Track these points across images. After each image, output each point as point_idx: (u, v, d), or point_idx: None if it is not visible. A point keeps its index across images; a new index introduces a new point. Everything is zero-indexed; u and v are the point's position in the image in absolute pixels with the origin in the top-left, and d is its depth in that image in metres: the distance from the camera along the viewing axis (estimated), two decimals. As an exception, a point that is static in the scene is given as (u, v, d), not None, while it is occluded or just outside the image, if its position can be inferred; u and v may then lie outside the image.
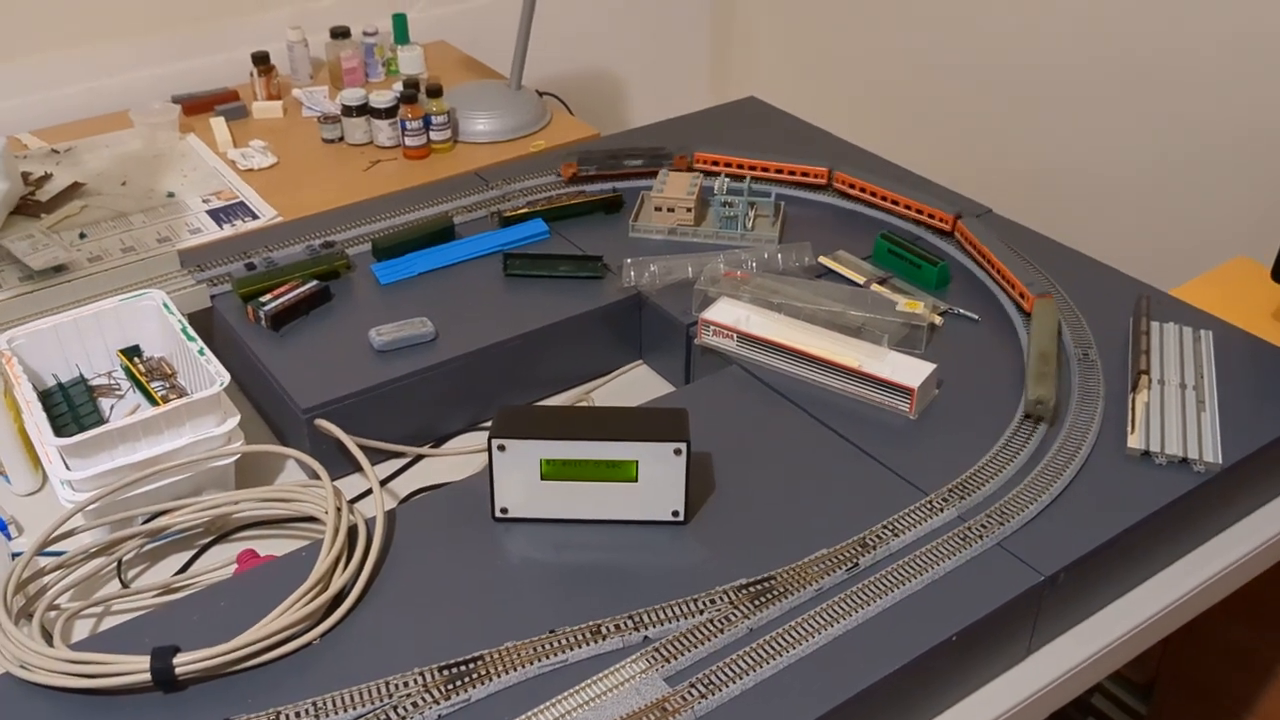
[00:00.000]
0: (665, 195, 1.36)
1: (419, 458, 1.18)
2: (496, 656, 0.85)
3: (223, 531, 1.09)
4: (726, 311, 1.18)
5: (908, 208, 1.38)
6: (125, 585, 1.03)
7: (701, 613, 0.89)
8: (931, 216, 1.37)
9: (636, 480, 0.95)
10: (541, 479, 0.96)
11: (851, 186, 1.43)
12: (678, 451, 0.94)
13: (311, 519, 1.07)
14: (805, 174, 1.45)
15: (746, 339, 1.15)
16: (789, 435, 1.07)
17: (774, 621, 0.88)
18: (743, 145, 1.51)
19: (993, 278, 1.28)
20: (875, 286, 1.25)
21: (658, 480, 0.95)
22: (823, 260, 1.30)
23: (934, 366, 1.09)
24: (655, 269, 1.27)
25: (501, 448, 0.95)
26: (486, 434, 1.20)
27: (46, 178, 1.69)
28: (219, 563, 1.03)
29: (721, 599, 0.90)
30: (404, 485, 1.15)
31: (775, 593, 0.90)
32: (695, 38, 2.61)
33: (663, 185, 1.37)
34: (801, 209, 1.43)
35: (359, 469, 1.16)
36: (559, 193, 1.44)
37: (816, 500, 1.00)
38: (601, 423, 0.96)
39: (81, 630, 0.98)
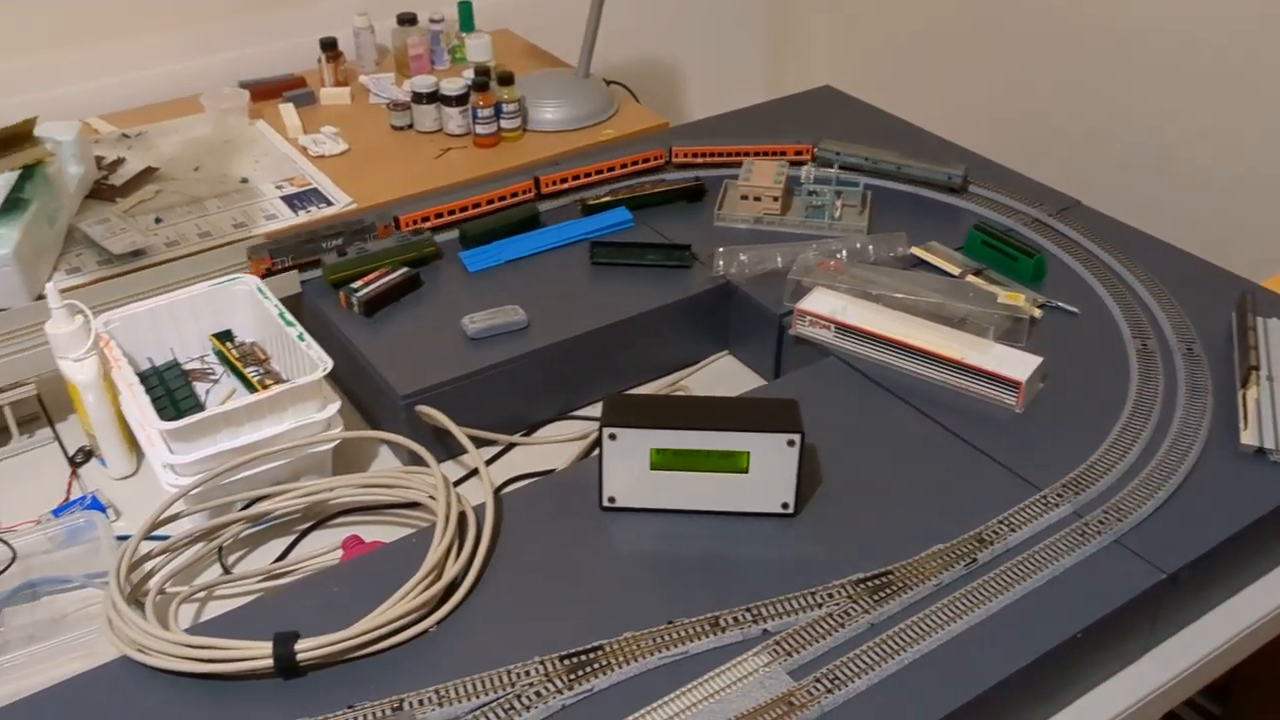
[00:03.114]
0: (751, 184, 1.34)
1: (511, 445, 1.18)
2: (616, 647, 0.84)
3: (321, 517, 1.08)
4: (822, 302, 1.16)
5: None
6: (226, 570, 1.02)
7: (820, 606, 0.88)
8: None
9: (747, 471, 0.94)
10: (650, 468, 0.95)
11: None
12: (791, 443, 0.93)
13: (413, 504, 1.06)
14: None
15: (844, 329, 1.14)
16: (893, 428, 1.06)
17: (894, 617, 0.87)
18: (823, 134, 1.50)
19: (1091, 270, 1.26)
20: (971, 278, 1.23)
21: (769, 472, 0.94)
22: (914, 251, 1.28)
23: (1041, 360, 1.08)
24: (745, 258, 1.25)
25: (612, 436, 0.94)
26: (576, 423, 1.21)
27: (119, 162, 1.68)
28: (321, 548, 1.03)
29: (839, 593, 0.89)
30: (495, 474, 1.14)
31: (894, 588, 0.89)
32: (751, 25, 2.60)
33: (749, 174, 1.36)
34: (883, 198, 1.41)
35: (450, 457, 1.15)
36: (641, 180, 1.42)
37: (926, 494, 0.98)
38: (712, 413, 0.95)
39: (186, 615, 0.98)
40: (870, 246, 1.27)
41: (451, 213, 1.34)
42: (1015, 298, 1.16)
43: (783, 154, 1.47)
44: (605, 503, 0.97)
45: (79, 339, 1.06)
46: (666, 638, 0.85)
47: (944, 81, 2.27)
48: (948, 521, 0.95)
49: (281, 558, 1.04)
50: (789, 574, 0.91)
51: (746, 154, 1.45)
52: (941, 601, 0.88)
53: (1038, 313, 1.19)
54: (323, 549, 1.03)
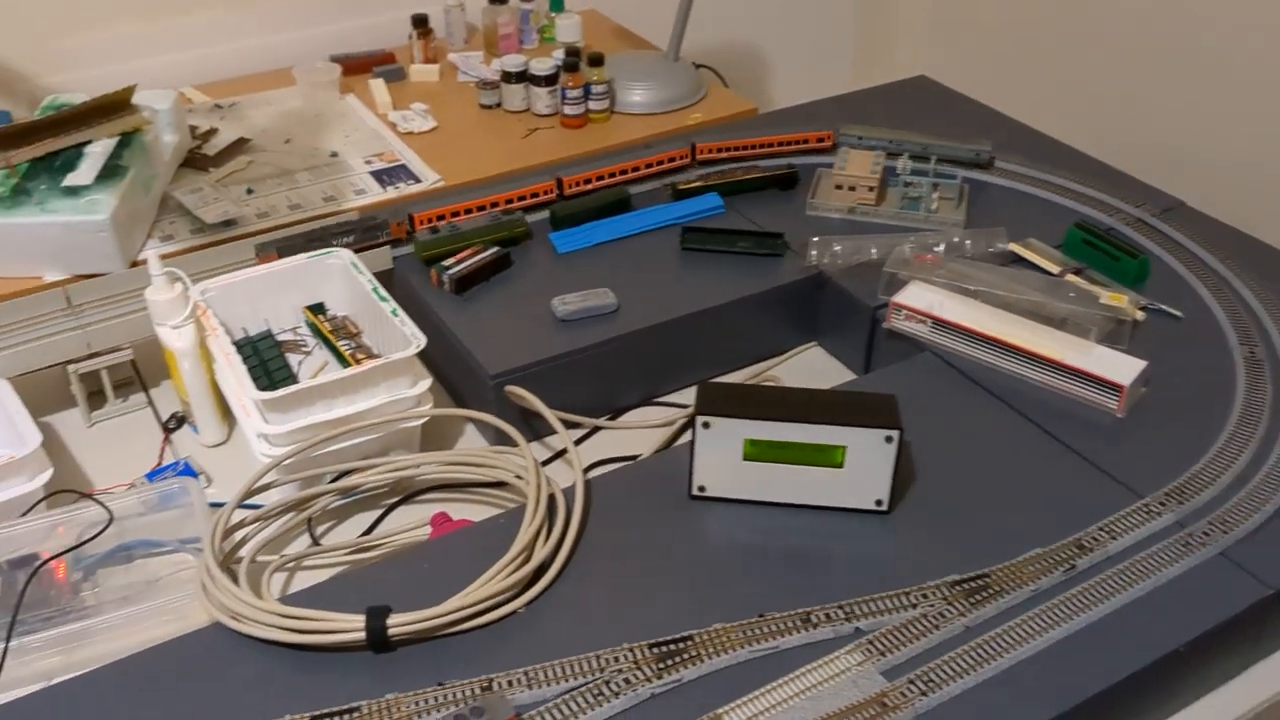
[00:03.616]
0: (847, 173, 1.32)
1: (595, 429, 1.17)
2: (706, 638, 0.83)
3: (407, 493, 1.09)
4: (919, 296, 1.14)
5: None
6: (315, 541, 1.03)
7: (914, 606, 0.86)
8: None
9: (842, 466, 0.93)
10: (743, 459, 0.94)
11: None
12: (889, 439, 0.91)
13: (499, 484, 1.06)
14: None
15: (941, 325, 1.12)
16: (989, 427, 1.04)
17: (990, 621, 0.85)
18: (913, 125, 1.47)
19: (1195, 273, 1.23)
20: (1070, 277, 1.20)
21: (865, 467, 0.93)
22: (1012, 247, 1.26)
23: (1145, 364, 1.05)
24: (839, 249, 1.23)
25: (706, 425, 0.93)
26: (660, 409, 1.20)
27: (213, 132, 1.70)
28: (407, 524, 1.03)
29: (934, 594, 0.87)
30: (580, 457, 1.13)
31: (990, 591, 0.87)
32: (841, 10, 2.56)
33: (844, 163, 1.34)
34: (980, 192, 1.38)
35: (535, 438, 1.15)
36: (732, 167, 1.41)
37: (1024, 496, 0.96)
38: (809, 405, 0.93)
39: (276, 585, 0.99)
40: (968, 241, 1.24)
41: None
42: (1118, 299, 1.13)
43: (805, 141, 1.44)
44: (695, 491, 0.96)
45: (177, 306, 1.07)
46: (757, 631, 0.84)
47: (1043, 74, 2.22)
48: (1045, 526, 0.93)
49: (368, 531, 1.05)
50: (882, 572, 0.89)
51: (769, 144, 1.43)
52: (1039, 608, 0.86)
53: (1141, 315, 1.16)
54: (409, 524, 1.03)
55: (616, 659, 0.82)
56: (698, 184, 1.36)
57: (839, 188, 1.33)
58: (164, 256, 1.09)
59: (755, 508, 0.96)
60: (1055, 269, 1.22)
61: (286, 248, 1.21)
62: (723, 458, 0.94)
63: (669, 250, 1.28)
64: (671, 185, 1.38)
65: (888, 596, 0.87)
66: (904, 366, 1.12)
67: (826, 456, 0.93)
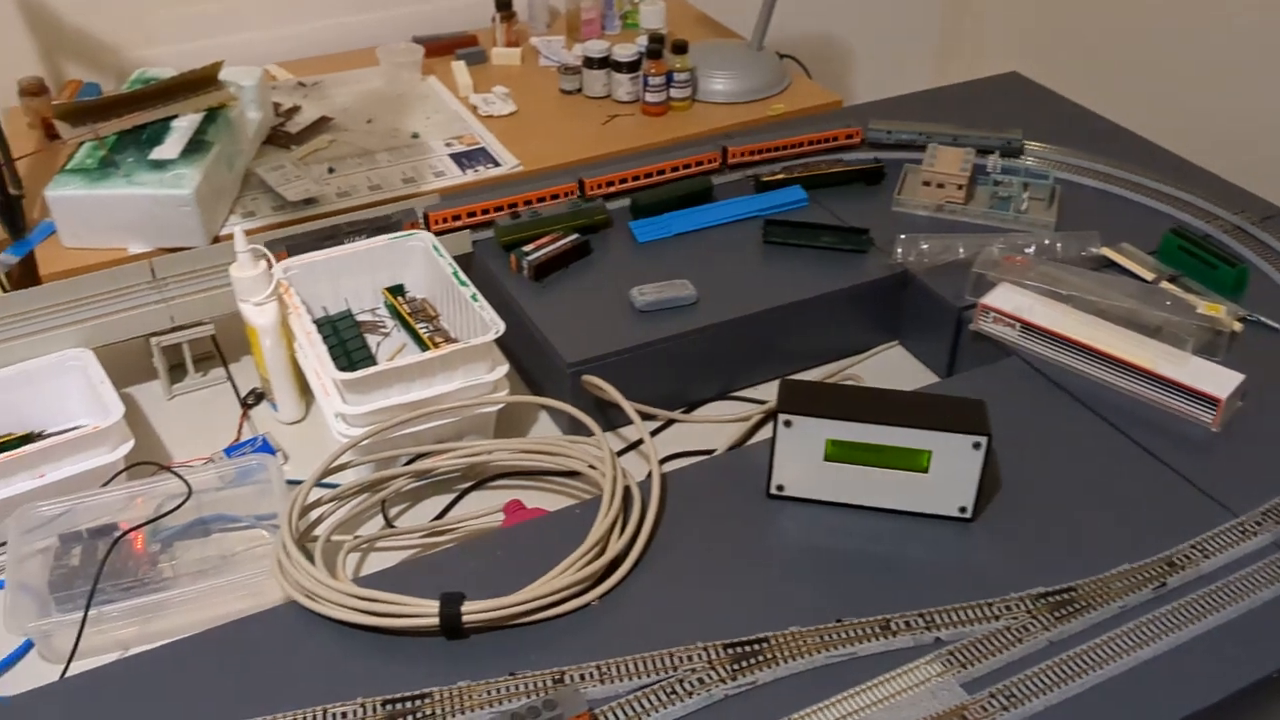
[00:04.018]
0: (935, 170, 1.29)
1: (670, 422, 1.16)
2: (782, 640, 0.82)
3: (480, 478, 1.08)
4: (1008, 298, 1.11)
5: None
6: (389, 523, 1.03)
7: (997, 619, 0.84)
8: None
9: (927, 471, 0.91)
10: (825, 459, 0.92)
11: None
12: (977, 445, 0.89)
13: (571, 473, 1.06)
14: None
15: (1030, 329, 1.09)
16: (1077, 437, 1.01)
17: (1076, 637, 0.83)
18: (1004, 123, 1.44)
19: (1296, 285, 1.18)
20: (1165, 285, 1.17)
21: (950, 473, 0.90)
22: (1104, 252, 1.22)
23: (1242, 377, 1.01)
24: (926, 247, 1.21)
25: (788, 423, 0.91)
26: (736, 404, 1.18)
27: (296, 110, 1.71)
28: (479, 510, 1.03)
29: (1018, 606, 0.85)
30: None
31: (1077, 606, 0.85)
32: (926, 5, 2.52)
33: (933, 159, 1.31)
34: (1072, 194, 1.34)
35: (609, 428, 1.14)
36: (817, 159, 1.38)
37: (1113, 510, 0.93)
38: (894, 407, 0.91)
39: (350, 565, 0.99)
40: (1059, 244, 1.21)
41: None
42: (1215, 309, 1.10)
43: (834, 139, 1.40)
44: (773, 490, 0.94)
45: (261, 283, 1.08)
46: (834, 636, 0.82)
47: (1138, 73, 2.16)
48: (1135, 541, 0.90)
49: (441, 515, 1.05)
50: (964, 581, 0.87)
51: (800, 144, 1.38)
52: (1127, 625, 0.83)
53: (1238, 326, 1.12)
54: (482, 510, 1.02)
55: (690, 658, 0.81)
56: (781, 176, 1.34)
57: (927, 184, 1.30)
58: (246, 233, 1.10)
59: (834, 509, 0.94)
60: (1149, 276, 1.18)
61: (296, 246, 1.18)
62: (803, 457, 0.92)
63: (750, 243, 1.26)
64: (754, 177, 1.36)
65: (970, 607, 0.85)
66: (990, 370, 1.09)
67: (911, 460, 0.91)
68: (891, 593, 0.86)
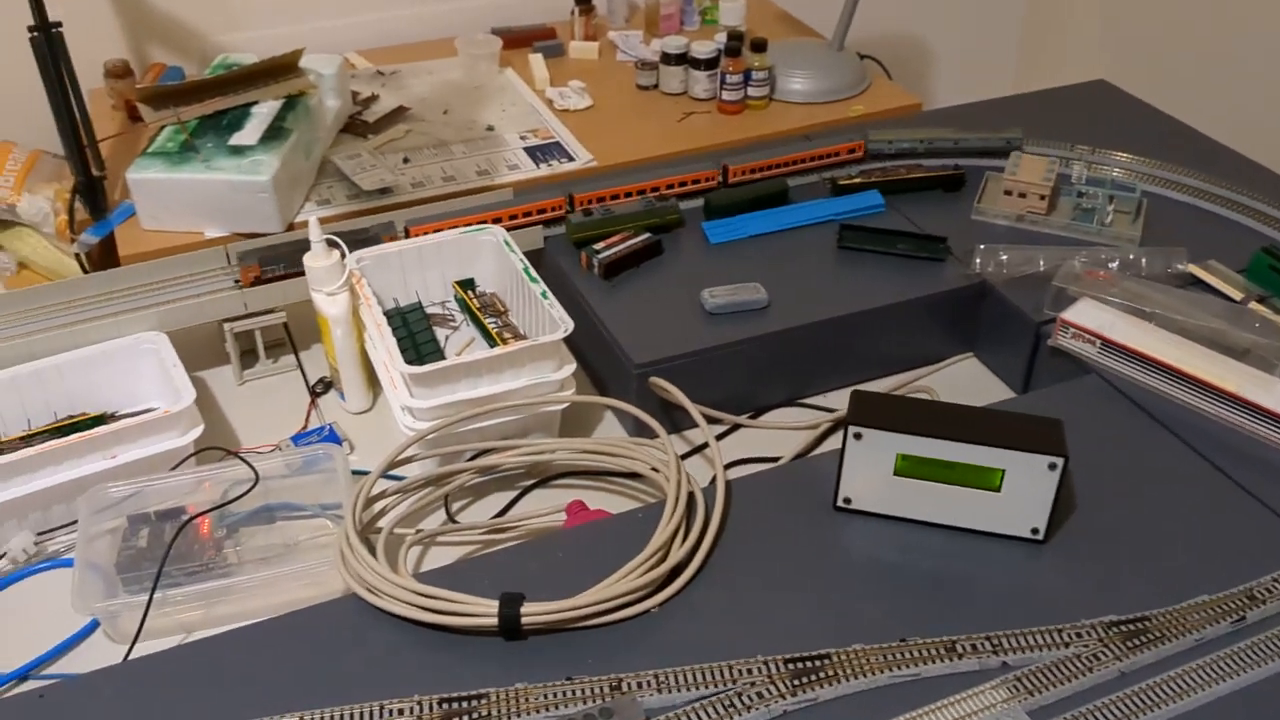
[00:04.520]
0: (1018, 179, 1.26)
1: (736, 426, 1.15)
2: (844, 658, 0.80)
3: (543, 477, 1.08)
4: (1089, 314, 1.08)
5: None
6: (452, 518, 1.03)
7: (1067, 645, 0.82)
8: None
9: (999, 490, 0.88)
10: (894, 473, 0.90)
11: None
12: (1053, 466, 0.86)
13: (635, 475, 1.05)
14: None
15: (1111, 347, 1.06)
16: (1157, 460, 0.98)
17: (1149, 668, 0.80)
18: (1093, 132, 1.40)
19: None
20: (1254, 305, 1.13)
21: (1023, 493, 0.88)
22: (1191, 269, 1.18)
23: (1335, 406, 0.98)
24: (1006, 258, 1.18)
25: (858, 435, 0.89)
26: (804, 411, 1.16)
27: (373, 99, 1.72)
28: (541, 509, 1.02)
29: (1089, 634, 0.82)
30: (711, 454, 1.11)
31: (1150, 636, 0.82)
32: (1011, 9, 2.47)
33: (1015, 168, 1.28)
34: (1159, 208, 1.31)
35: (673, 431, 1.13)
36: (896, 164, 1.36)
37: (1191, 538, 0.90)
38: (968, 423, 0.89)
39: (411, 559, 0.99)
40: (1144, 259, 1.17)
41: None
42: (1308, 332, 1.06)
43: (835, 154, 1.35)
44: (840, 503, 0.93)
45: (334, 273, 1.08)
46: (898, 656, 0.81)
47: (1230, 85, 2.10)
48: (1214, 572, 0.87)
49: (503, 512, 1.04)
50: (1034, 606, 0.85)
51: (801, 160, 1.34)
52: (1204, 659, 0.81)
53: (1331, 352, 1.08)
54: (543, 509, 1.02)
55: (750, 671, 0.80)
56: (859, 180, 1.32)
57: (1008, 194, 1.27)
58: (326, 220, 1.10)
59: (902, 525, 0.92)
60: (1238, 295, 1.15)
61: (269, 258, 1.15)
62: (872, 471, 0.90)
63: (825, 247, 1.24)
64: (831, 180, 1.34)
65: (1038, 632, 0.82)
66: (1067, 388, 1.06)
67: (983, 479, 0.88)
68: (958, 613, 0.84)
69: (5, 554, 0.98)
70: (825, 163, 1.36)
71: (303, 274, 1.11)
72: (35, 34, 1.34)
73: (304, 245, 1.10)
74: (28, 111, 1.63)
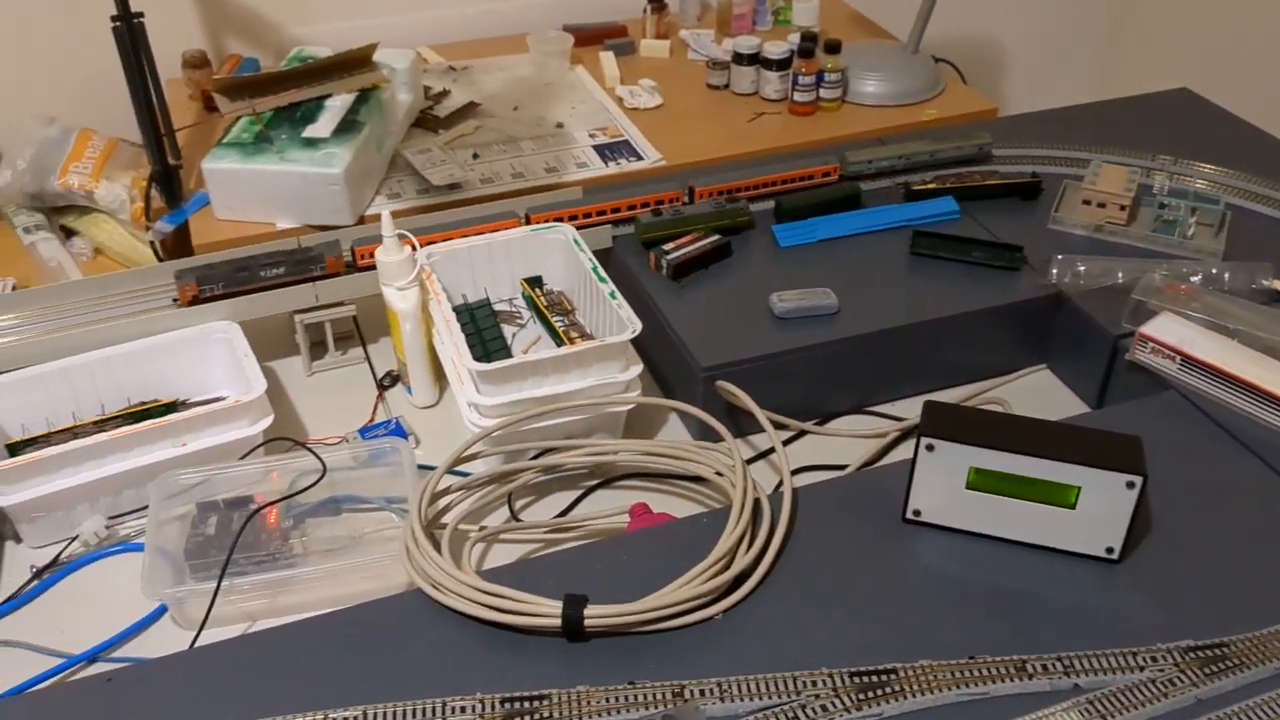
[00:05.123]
0: (1098, 189, 1.24)
1: (801, 433, 1.13)
2: (911, 673, 0.79)
3: (605, 478, 1.07)
4: (1170, 329, 1.06)
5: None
6: (515, 516, 1.03)
7: (1141, 669, 0.79)
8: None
9: (1074, 507, 0.86)
10: (966, 487, 0.88)
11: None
12: (1131, 485, 0.84)
13: (698, 479, 1.04)
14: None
15: (1192, 364, 1.03)
16: (1238, 482, 0.95)
17: (1227, 696, 0.78)
18: (1170, 142, 1.37)
19: None
20: (1343, 324, 1.09)
21: (1099, 511, 0.86)
22: (1277, 285, 1.15)
23: None
24: (1083, 269, 1.16)
25: (930, 447, 0.88)
26: (871, 419, 1.15)
27: (444, 94, 1.73)
28: (603, 510, 1.02)
29: (1164, 658, 0.80)
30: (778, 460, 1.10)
31: (1229, 663, 0.80)
32: (1092, 14, 2.42)
33: (1095, 177, 1.25)
34: (1243, 221, 1.27)
35: (738, 435, 1.12)
36: (971, 170, 1.34)
37: (1272, 563, 0.88)
38: (1044, 438, 0.87)
39: (473, 556, 0.99)
40: (1227, 274, 1.14)
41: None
42: (1400, 354, 1.02)
43: (810, 177, 1.31)
44: (909, 515, 0.91)
45: (405, 268, 1.08)
46: (967, 673, 0.79)
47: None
48: (1298, 599, 0.85)
49: (565, 512, 1.04)
50: (1107, 627, 0.83)
51: (773, 182, 1.30)
52: (1285, 689, 0.78)
53: None
54: (606, 510, 1.02)
55: (814, 683, 0.78)
56: (933, 185, 1.30)
57: (1087, 203, 1.24)
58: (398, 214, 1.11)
59: (972, 540, 0.90)
60: (1326, 313, 1.11)
61: (206, 277, 1.11)
62: (944, 483, 0.89)
63: (897, 253, 1.22)
64: (905, 184, 1.32)
65: (1112, 654, 0.80)
66: (1145, 404, 1.04)
67: (1058, 495, 0.86)
68: (1029, 632, 0.83)
69: (77, 537, 0.99)
70: (794, 187, 1.31)
71: (243, 293, 1.11)
72: (118, 24, 1.36)
73: (240, 265, 1.11)
74: (107, 100, 1.65)
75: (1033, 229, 1.26)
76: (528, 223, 1.22)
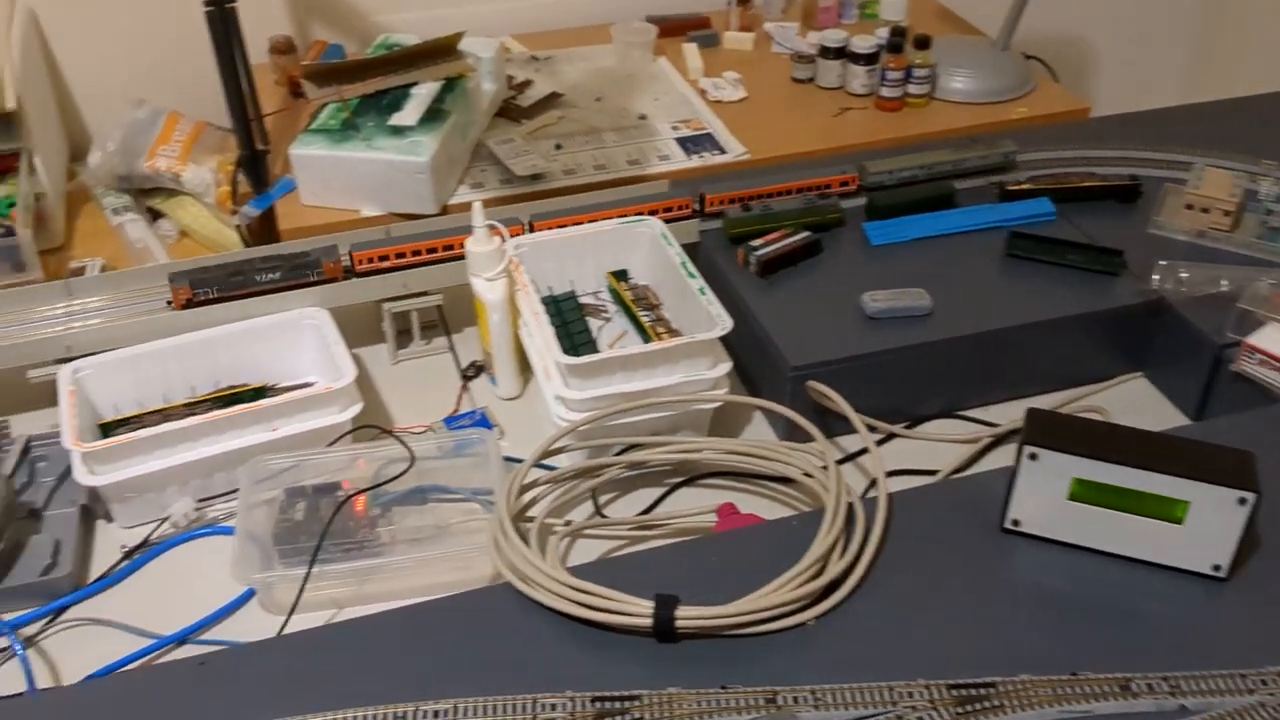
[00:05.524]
0: (1201, 193, 1.20)
1: (891, 436, 1.11)
2: (1012, 689, 0.77)
3: (690, 475, 1.06)
4: (1277, 340, 1.02)
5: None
6: (600, 512, 1.02)
7: (1251, 692, 0.77)
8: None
9: (1181, 523, 0.84)
10: (1068, 498, 0.86)
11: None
12: (1242, 501, 0.81)
13: (785, 480, 1.02)
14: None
15: (1302, 377, 1.00)
16: (1352, 500, 0.92)
17: (1344, 725, 0.75)
18: (1268, 146, 1.33)
19: None
20: None
21: (1207, 527, 0.83)
22: (1391, 297, 1.11)
23: None
24: (1186, 275, 1.12)
25: (1033, 456, 0.85)
26: (962, 423, 1.13)
27: (527, 84, 1.72)
28: (687, 507, 1.01)
29: (1275, 681, 0.77)
30: (871, 464, 1.08)
31: (1346, 690, 0.77)
32: (1186, 13, 2.36)
33: (1199, 180, 1.21)
34: (1355, 231, 1.23)
35: (827, 436, 1.10)
36: (1069, 171, 1.31)
37: (1390, 587, 0.84)
38: (1152, 450, 0.84)
39: (558, 550, 0.98)
40: (1339, 284, 1.10)
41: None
42: None
43: (826, 186, 1.26)
44: (1008, 524, 0.89)
45: (494, 259, 1.08)
46: (1069, 690, 0.77)
47: None
48: None
49: (650, 509, 1.03)
50: (1214, 647, 0.80)
51: (785, 192, 1.25)
52: (1405, 720, 0.75)
53: None
54: (691, 509, 1.00)
55: (911, 694, 0.77)
56: (1028, 186, 1.27)
57: (1189, 208, 1.21)
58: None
59: (1073, 552, 0.88)
60: None
61: (200, 281, 1.10)
62: (1045, 494, 0.86)
63: (991, 254, 1.20)
64: (999, 184, 1.29)
65: (1220, 676, 0.78)
66: (1250, 418, 1.01)
67: (1165, 510, 0.84)
68: (1132, 650, 0.80)
69: (168, 518, 1.00)
70: (817, 194, 1.27)
71: (237, 297, 1.11)
72: (211, 9, 1.37)
73: (234, 269, 1.10)
74: (194, 84, 1.67)
75: (1130, 233, 1.22)
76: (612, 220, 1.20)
